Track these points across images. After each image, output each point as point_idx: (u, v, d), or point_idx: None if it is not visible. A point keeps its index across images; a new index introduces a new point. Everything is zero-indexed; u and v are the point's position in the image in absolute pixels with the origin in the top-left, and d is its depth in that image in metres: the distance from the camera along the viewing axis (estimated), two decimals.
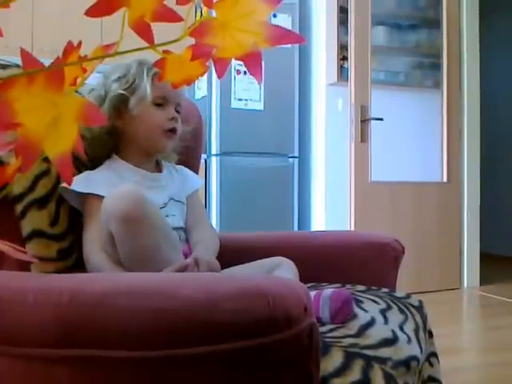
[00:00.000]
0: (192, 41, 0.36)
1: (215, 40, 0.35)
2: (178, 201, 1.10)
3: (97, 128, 1.01)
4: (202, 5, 0.36)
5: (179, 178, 1.14)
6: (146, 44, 0.34)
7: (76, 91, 1.05)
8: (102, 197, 0.91)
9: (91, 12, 0.30)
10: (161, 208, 1.03)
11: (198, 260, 0.93)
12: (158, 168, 1.12)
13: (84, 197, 0.96)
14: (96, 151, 1.04)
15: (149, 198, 0.89)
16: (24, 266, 0.85)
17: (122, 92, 1.01)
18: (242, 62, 0.35)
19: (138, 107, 1.02)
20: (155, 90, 1.01)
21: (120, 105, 1.02)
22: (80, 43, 0.32)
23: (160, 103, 1.04)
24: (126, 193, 0.86)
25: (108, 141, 1.04)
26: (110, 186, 0.95)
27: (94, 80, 1.02)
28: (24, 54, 0.29)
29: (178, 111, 1.07)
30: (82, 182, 0.96)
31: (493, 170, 4.67)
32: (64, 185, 0.94)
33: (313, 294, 0.88)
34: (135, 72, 1.02)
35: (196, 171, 1.31)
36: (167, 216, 1.04)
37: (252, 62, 0.35)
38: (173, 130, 1.05)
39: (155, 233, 0.88)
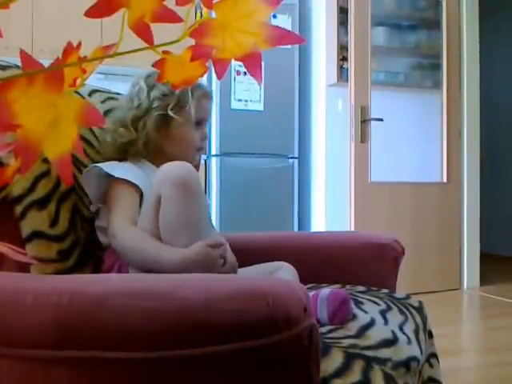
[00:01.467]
0: (192, 41, 0.36)
1: (215, 41, 0.35)
2: None
3: (130, 137, 1.04)
4: (202, 5, 0.36)
5: None
6: (145, 44, 0.34)
7: (76, 92, 1.04)
8: (133, 184, 0.97)
9: (91, 13, 0.30)
10: None
11: (226, 248, 0.97)
12: None
13: (113, 181, 0.99)
14: (122, 156, 1.06)
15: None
16: (24, 267, 0.85)
17: (168, 113, 1.04)
18: (241, 63, 0.35)
19: (179, 127, 1.06)
20: (196, 111, 1.06)
21: (162, 122, 1.05)
22: (79, 44, 0.32)
23: (198, 124, 1.09)
24: (182, 163, 0.93)
25: (139, 149, 1.06)
26: (137, 178, 0.99)
27: (94, 81, 1.02)
28: (23, 55, 0.29)
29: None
30: (115, 168, 0.99)
31: (493, 171, 4.67)
32: (100, 165, 0.98)
33: (310, 294, 0.88)
34: (180, 92, 1.04)
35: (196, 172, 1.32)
36: None
37: (252, 62, 0.35)
38: (201, 148, 1.13)
39: (200, 206, 0.94)
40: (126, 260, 0.93)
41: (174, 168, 0.92)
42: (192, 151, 1.10)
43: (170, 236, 0.91)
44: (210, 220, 1.08)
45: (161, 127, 1.05)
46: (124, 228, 0.94)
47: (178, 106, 1.04)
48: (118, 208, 0.97)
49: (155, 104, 1.04)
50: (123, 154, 1.06)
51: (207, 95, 1.11)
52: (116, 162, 1.03)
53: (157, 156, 1.08)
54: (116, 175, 0.98)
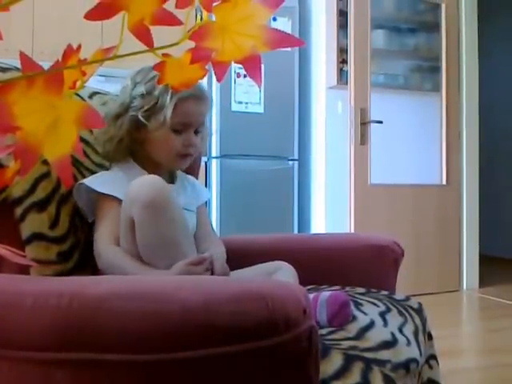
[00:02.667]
0: (191, 44, 0.36)
1: (215, 43, 0.35)
2: (190, 210, 1.10)
3: (113, 132, 1.00)
4: (202, 8, 0.36)
5: (191, 189, 1.15)
6: (145, 47, 0.34)
7: (76, 94, 1.04)
8: (117, 198, 0.94)
9: (90, 15, 0.30)
10: None
11: (213, 259, 0.94)
12: (171, 178, 1.12)
13: (98, 196, 0.97)
14: (110, 152, 1.04)
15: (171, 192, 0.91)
16: (24, 269, 0.85)
17: (142, 116, 0.98)
18: (241, 65, 0.36)
19: (156, 130, 1.00)
20: (176, 115, 0.98)
21: (139, 122, 1.00)
22: (79, 47, 0.32)
23: (179, 129, 1.01)
24: (151, 180, 0.88)
25: (118, 147, 1.03)
26: (120, 187, 0.96)
27: (94, 83, 1.02)
28: (23, 57, 0.29)
29: (198, 131, 1.06)
30: (99, 183, 0.97)
31: (492, 172, 4.67)
32: (84, 181, 0.96)
33: (310, 296, 0.88)
34: (160, 93, 0.98)
35: (196, 174, 1.32)
36: None
37: (251, 65, 0.36)
38: (187, 155, 1.05)
39: (175, 224, 0.89)
40: None
41: (141, 188, 0.87)
42: (172, 156, 1.03)
43: (150, 259, 0.89)
44: (191, 236, 1.02)
45: (139, 128, 1.00)
46: (105, 248, 0.92)
47: (154, 108, 0.98)
48: (100, 225, 0.95)
49: (134, 103, 0.99)
50: (117, 152, 1.04)
51: (195, 97, 1.00)
52: (102, 173, 1.01)
53: (144, 156, 1.05)
54: (98, 190, 0.95)
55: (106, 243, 0.93)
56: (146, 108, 0.98)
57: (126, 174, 1.02)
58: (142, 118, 0.98)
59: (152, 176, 0.91)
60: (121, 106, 1.01)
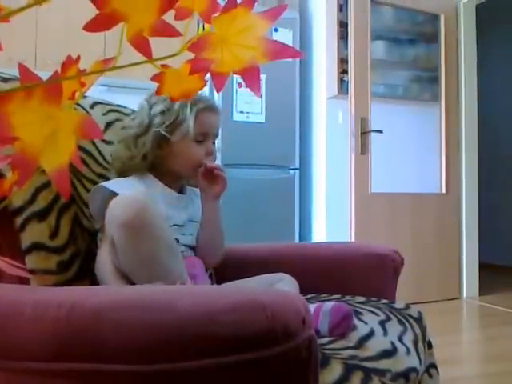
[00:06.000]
0: (190, 55, 0.36)
1: (214, 54, 0.35)
2: (195, 221, 1.13)
3: (134, 152, 1.03)
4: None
5: (198, 201, 1.16)
6: (145, 58, 0.34)
7: (78, 104, 1.04)
8: None
9: (89, 27, 0.30)
10: (179, 226, 1.07)
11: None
12: (182, 190, 1.15)
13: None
14: (131, 167, 1.06)
15: (154, 208, 0.90)
16: (24, 279, 0.85)
17: (165, 131, 1.03)
18: (240, 76, 0.36)
19: (179, 143, 1.05)
20: (197, 126, 1.04)
21: (162, 138, 1.04)
22: (78, 57, 0.32)
23: (200, 139, 1.07)
24: (129, 199, 0.85)
25: (141, 164, 1.06)
26: (138, 194, 0.97)
27: (96, 93, 1.03)
28: (22, 68, 0.29)
29: (214, 141, 1.12)
30: (117, 186, 0.97)
31: (491, 181, 4.67)
32: (103, 183, 0.97)
33: (313, 307, 0.88)
34: (179, 108, 1.03)
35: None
36: (184, 234, 1.07)
37: (250, 76, 0.36)
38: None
39: (156, 242, 0.87)
40: None
41: (118, 208, 0.85)
42: (193, 167, 1.07)
43: (133, 277, 0.88)
44: (178, 249, 1.00)
45: (161, 144, 1.05)
46: (103, 259, 0.93)
47: (175, 122, 1.03)
48: (104, 239, 0.95)
49: (155, 121, 1.04)
50: (127, 169, 1.07)
51: (211, 108, 1.07)
52: (120, 179, 1.04)
53: (161, 169, 1.08)
54: (115, 190, 0.96)
55: (103, 255, 0.93)
56: (167, 123, 1.03)
57: (144, 182, 1.05)
58: (165, 133, 1.02)
59: (132, 196, 0.89)
60: (140, 127, 1.05)
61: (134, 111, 1.18)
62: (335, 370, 0.71)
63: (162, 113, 1.03)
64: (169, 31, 0.33)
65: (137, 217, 0.84)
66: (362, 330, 0.87)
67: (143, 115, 1.06)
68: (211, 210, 1.12)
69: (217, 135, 1.12)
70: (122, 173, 1.07)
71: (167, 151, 1.06)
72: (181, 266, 0.95)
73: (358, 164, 2.93)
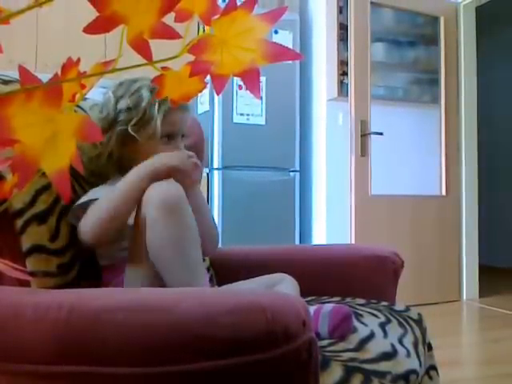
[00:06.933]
0: (190, 57, 0.36)
1: (214, 57, 0.35)
2: None
3: (96, 150, 1.00)
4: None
5: None
6: (145, 60, 0.34)
7: (78, 106, 1.04)
8: None
9: (89, 29, 0.30)
10: None
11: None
12: None
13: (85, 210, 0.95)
14: (98, 168, 1.03)
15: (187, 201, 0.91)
16: (24, 281, 0.85)
17: (131, 129, 0.98)
18: (240, 79, 0.36)
19: (145, 143, 0.99)
20: (164, 126, 0.99)
21: (127, 136, 0.99)
22: (78, 60, 0.32)
23: (167, 138, 1.01)
24: (167, 184, 0.89)
25: (108, 163, 1.02)
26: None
27: (97, 95, 1.02)
28: (22, 70, 0.29)
29: (182, 137, 1.06)
30: (87, 196, 0.95)
31: (491, 183, 4.67)
32: (75, 204, 0.94)
33: (313, 309, 0.87)
34: (146, 105, 0.98)
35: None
36: None
37: (250, 78, 0.36)
38: None
39: (186, 227, 0.88)
40: (108, 226, 0.91)
41: (161, 189, 0.87)
42: None
43: (158, 260, 0.87)
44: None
45: (127, 142, 1.00)
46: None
47: (143, 120, 0.98)
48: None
49: (120, 117, 0.98)
50: (104, 168, 1.02)
51: (180, 107, 1.01)
52: (89, 191, 0.99)
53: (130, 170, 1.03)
54: (85, 200, 0.94)
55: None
56: (134, 121, 0.98)
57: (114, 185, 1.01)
58: (132, 132, 0.98)
59: (168, 182, 0.90)
60: (105, 121, 1.00)
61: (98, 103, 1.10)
62: (335, 372, 0.71)
63: (129, 109, 0.98)
64: (169, 33, 0.33)
65: (174, 196, 0.87)
66: (362, 332, 0.87)
67: (109, 108, 1.00)
68: (193, 197, 1.02)
69: (185, 131, 1.06)
70: (92, 176, 1.03)
71: (133, 149, 1.01)
72: (203, 265, 0.95)
73: (358, 166, 2.93)
